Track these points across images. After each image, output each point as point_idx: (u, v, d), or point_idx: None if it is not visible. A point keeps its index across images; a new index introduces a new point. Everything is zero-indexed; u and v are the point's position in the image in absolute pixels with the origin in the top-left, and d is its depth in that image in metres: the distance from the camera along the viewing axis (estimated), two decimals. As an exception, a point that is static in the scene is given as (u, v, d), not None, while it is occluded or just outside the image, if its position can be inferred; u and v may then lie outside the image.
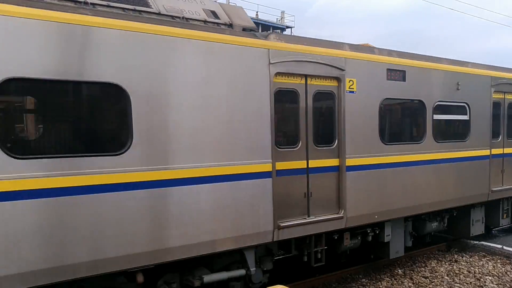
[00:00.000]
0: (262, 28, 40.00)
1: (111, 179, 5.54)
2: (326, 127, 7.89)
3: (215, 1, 7.52)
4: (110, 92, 5.64)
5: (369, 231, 8.83)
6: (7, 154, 4.93)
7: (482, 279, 9.09)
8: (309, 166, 7.59)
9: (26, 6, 5.07)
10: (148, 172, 5.81)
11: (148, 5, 6.37)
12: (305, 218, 7.52)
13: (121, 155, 5.64)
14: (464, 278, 9.19)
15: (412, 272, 9.67)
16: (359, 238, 8.74)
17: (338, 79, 7.84)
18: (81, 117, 5.56)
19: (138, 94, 5.71)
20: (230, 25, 7.10)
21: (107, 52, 5.50)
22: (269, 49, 6.93)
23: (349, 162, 7.96)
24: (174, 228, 6.05)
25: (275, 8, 69.65)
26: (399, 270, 9.75)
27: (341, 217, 7.91)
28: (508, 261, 9.92)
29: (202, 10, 6.99)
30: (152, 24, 5.89)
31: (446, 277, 9.27)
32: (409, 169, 8.91)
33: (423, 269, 9.80)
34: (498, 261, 9.94)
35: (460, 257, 10.27)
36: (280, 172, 7.17)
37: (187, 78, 6.11)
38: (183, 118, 6.08)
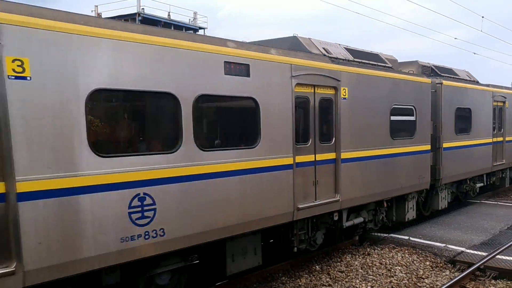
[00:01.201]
0: (175, 28, 39.24)
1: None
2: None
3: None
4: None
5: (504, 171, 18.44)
6: None
7: (392, 270, 9.64)
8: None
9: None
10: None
11: (455, 75, 15.43)
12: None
13: None
14: (376, 270, 9.68)
15: (329, 267, 9.86)
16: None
17: (503, 102, 17.44)
18: None
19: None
20: (475, 81, 16.22)
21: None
22: (492, 92, 16.26)
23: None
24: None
25: (187, 9, 68.61)
26: (317, 266, 9.96)
27: (504, 163, 17.52)
28: (414, 251, 10.64)
29: (465, 75, 15.90)
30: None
31: (361, 270, 9.69)
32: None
33: (339, 263, 10.05)
34: (406, 251, 10.61)
35: (372, 250, 10.78)
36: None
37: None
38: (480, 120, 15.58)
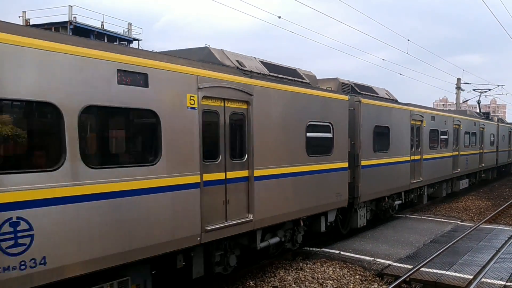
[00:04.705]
0: (108, 39, 38.08)
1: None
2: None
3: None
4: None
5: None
6: None
7: (324, 284, 9.83)
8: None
9: None
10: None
11: None
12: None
13: None
14: (309, 284, 9.82)
15: (263, 283, 9.86)
16: None
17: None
18: None
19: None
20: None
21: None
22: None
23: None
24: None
25: (122, 20, 67.07)
26: (251, 282, 9.92)
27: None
28: (345, 265, 10.92)
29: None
30: None
31: (294, 285, 9.78)
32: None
33: (272, 279, 10.09)
34: (337, 265, 10.87)
35: (305, 265, 10.92)
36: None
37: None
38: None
